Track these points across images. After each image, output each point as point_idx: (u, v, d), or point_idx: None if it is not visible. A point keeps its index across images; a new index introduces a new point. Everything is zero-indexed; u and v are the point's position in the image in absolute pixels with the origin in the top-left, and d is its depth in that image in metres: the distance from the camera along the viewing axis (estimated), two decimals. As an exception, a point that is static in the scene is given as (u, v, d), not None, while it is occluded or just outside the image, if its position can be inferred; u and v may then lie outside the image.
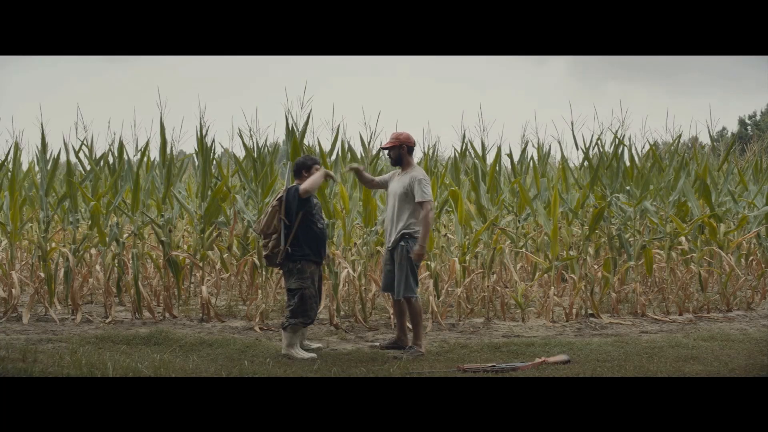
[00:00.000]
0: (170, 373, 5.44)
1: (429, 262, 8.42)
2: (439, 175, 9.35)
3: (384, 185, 6.83)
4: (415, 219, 6.46)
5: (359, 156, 8.85)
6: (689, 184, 9.48)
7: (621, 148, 9.14)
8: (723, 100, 73.40)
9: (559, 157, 10.29)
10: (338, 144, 8.60)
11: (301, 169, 6.51)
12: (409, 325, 6.71)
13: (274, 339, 7.10)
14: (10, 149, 9.19)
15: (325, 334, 7.45)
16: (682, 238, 9.15)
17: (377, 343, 6.91)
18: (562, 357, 6.08)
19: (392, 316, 7.55)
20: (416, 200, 6.40)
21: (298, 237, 6.35)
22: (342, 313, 8.27)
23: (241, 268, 8.67)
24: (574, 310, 8.28)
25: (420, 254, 6.41)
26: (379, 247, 8.51)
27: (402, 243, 6.45)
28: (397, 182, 6.57)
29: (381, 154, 8.75)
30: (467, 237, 8.56)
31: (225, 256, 8.88)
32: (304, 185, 6.35)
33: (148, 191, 9.07)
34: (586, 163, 9.68)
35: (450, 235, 9.12)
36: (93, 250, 8.79)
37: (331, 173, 6.67)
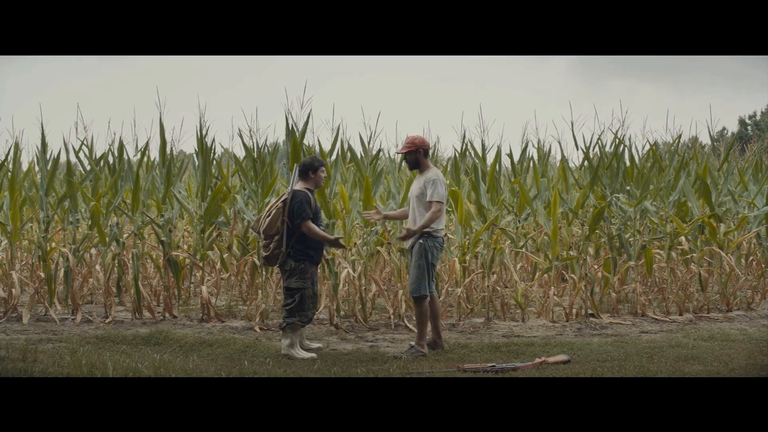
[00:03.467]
0: (170, 373, 5.44)
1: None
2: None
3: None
4: None
5: (359, 156, 8.84)
6: (689, 184, 9.48)
7: (621, 148, 9.15)
8: (723, 99, 73.41)
9: (559, 157, 10.30)
10: (338, 144, 8.62)
11: (308, 170, 6.52)
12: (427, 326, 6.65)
13: (274, 339, 7.10)
14: (10, 149, 9.22)
15: (325, 334, 7.45)
16: (682, 238, 9.15)
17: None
18: (562, 357, 6.08)
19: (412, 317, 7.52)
20: (426, 199, 6.44)
21: (304, 239, 6.37)
22: (342, 313, 8.27)
23: (241, 268, 8.67)
24: (574, 310, 8.28)
25: (407, 235, 6.52)
26: (379, 247, 8.51)
27: (421, 241, 6.48)
28: (415, 185, 6.65)
29: (379, 154, 8.75)
30: (467, 237, 8.56)
31: (225, 256, 8.88)
32: (308, 229, 6.32)
33: (148, 191, 9.08)
34: (586, 163, 9.69)
35: (450, 235, 9.11)
36: (93, 250, 8.79)
37: (339, 242, 6.57)
